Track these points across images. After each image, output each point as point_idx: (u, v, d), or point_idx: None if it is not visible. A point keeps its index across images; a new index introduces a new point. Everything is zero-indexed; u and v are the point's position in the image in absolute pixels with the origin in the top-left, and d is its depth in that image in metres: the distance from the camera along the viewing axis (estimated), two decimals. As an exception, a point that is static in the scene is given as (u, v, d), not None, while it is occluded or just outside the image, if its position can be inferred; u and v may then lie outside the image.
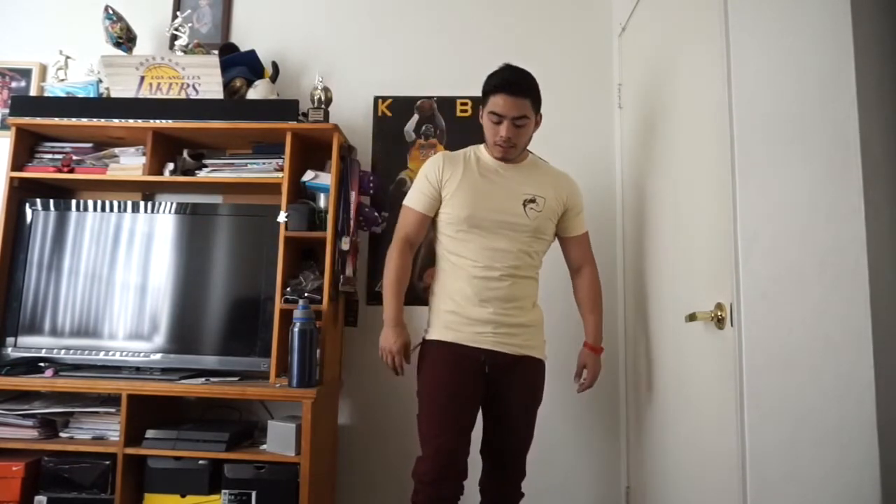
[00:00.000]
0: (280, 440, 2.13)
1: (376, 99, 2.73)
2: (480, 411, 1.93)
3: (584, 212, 2.05)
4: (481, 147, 2.01)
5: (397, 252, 1.95)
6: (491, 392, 1.90)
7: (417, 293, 2.50)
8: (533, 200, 1.92)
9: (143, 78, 2.50)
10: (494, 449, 1.94)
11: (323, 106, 2.47)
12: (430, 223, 1.99)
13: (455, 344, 1.87)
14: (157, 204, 2.51)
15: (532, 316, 1.94)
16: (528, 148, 2.03)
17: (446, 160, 1.97)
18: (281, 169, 2.41)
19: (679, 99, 1.92)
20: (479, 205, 1.89)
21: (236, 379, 2.33)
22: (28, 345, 2.41)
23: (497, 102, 1.84)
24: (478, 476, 1.96)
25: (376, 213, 2.56)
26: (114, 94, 2.52)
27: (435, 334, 1.92)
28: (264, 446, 2.18)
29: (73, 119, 2.44)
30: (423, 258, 2.51)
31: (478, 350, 1.86)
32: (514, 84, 1.85)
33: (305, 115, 2.46)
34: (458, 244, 1.91)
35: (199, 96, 2.48)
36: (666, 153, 2.04)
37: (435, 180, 1.94)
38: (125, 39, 2.58)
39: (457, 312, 1.88)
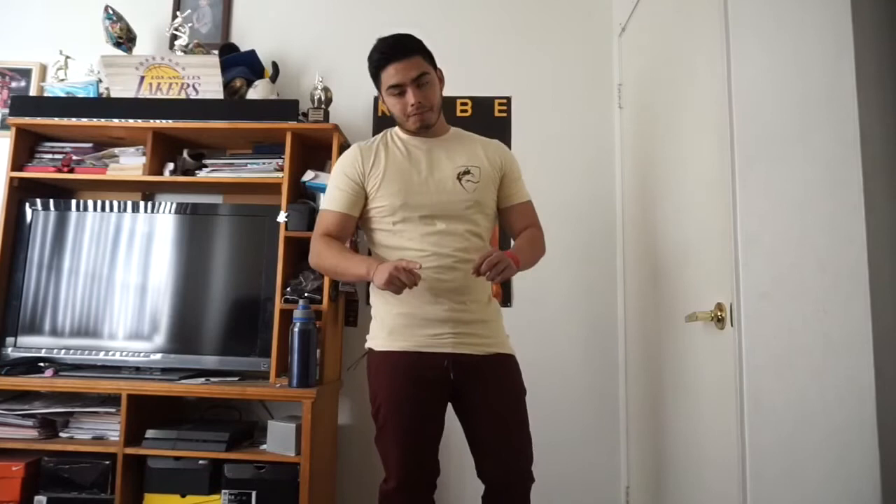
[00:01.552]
0: (280, 440, 2.13)
1: (376, 99, 2.72)
2: (464, 433, 1.71)
3: (523, 178, 1.84)
4: (396, 129, 1.79)
5: (319, 239, 1.71)
6: (462, 403, 1.68)
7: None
8: (468, 172, 1.72)
9: (143, 78, 2.50)
10: (496, 472, 1.66)
11: (323, 106, 2.47)
12: (354, 225, 1.76)
13: (409, 352, 1.64)
14: (157, 204, 2.51)
15: (490, 311, 1.73)
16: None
17: (363, 151, 1.74)
18: (281, 169, 2.41)
19: (679, 99, 1.92)
20: (413, 188, 1.68)
21: (236, 379, 2.33)
22: (28, 345, 2.41)
23: (390, 74, 1.65)
24: (467, 471, 1.76)
25: (376, 213, 2.55)
26: (114, 94, 2.52)
27: (383, 343, 1.68)
28: (264, 446, 2.17)
29: (73, 119, 2.43)
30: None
31: (438, 355, 1.63)
32: (399, 48, 1.66)
33: (305, 115, 2.46)
34: (398, 237, 1.68)
35: (199, 96, 2.48)
36: (666, 153, 2.03)
37: (355, 173, 1.71)
38: (125, 39, 2.58)
39: (409, 314, 1.65)
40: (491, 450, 1.67)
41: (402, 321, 1.66)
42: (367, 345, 1.74)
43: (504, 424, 1.66)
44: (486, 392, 1.66)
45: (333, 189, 1.75)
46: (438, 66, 1.75)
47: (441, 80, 1.76)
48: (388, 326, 1.68)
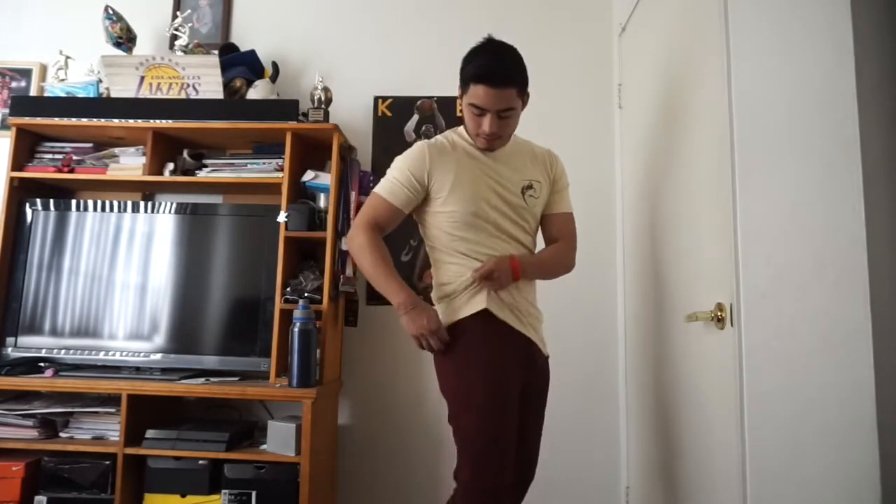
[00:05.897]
0: (280, 440, 2.13)
1: (376, 99, 2.73)
2: None
3: (568, 189, 1.84)
4: (462, 130, 1.76)
5: (364, 233, 1.66)
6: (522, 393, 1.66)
7: (417, 293, 2.47)
8: (531, 187, 1.73)
9: (143, 78, 2.50)
10: (518, 461, 1.63)
11: (323, 106, 2.47)
12: (402, 220, 1.73)
13: (505, 324, 1.62)
14: (157, 204, 2.51)
15: (538, 313, 1.77)
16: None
17: (431, 152, 1.68)
18: (281, 169, 2.41)
19: (679, 99, 1.92)
20: (483, 197, 1.66)
21: (236, 379, 2.33)
22: (28, 345, 2.41)
23: (477, 94, 1.59)
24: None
25: (376, 213, 2.55)
26: (114, 94, 2.52)
27: (475, 306, 1.62)
28: (264, 446, 2.18)
29: (73, 119, 2.44)
30: (423, 258, 2.50)
31: (523, 338, 1.66)
32: (496, 73, 1.58)
33: (305, 115, 2.46)
34: (465, 243, 1.67)
35: (199, 96, 2.48)
36: (666, 153, 2.03)
37: (421, 175, 1.67)
38: (125, 39, 2.58)
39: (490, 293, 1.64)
40: (524, 445, 1.70)
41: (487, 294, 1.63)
42: (451, 318, 1.65)
43: (539, 425, 1.77)
44: (538, 390, 1.74)
45: (394, 181, 1.68)
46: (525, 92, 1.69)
47: (524, 104, 1.71)
48: (479, 295, 1.62)
